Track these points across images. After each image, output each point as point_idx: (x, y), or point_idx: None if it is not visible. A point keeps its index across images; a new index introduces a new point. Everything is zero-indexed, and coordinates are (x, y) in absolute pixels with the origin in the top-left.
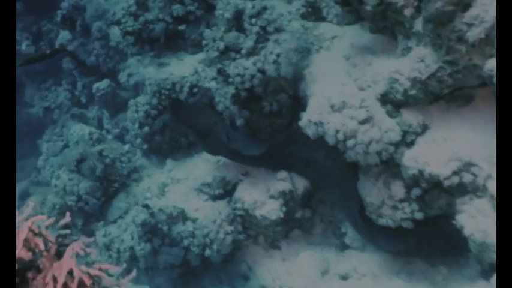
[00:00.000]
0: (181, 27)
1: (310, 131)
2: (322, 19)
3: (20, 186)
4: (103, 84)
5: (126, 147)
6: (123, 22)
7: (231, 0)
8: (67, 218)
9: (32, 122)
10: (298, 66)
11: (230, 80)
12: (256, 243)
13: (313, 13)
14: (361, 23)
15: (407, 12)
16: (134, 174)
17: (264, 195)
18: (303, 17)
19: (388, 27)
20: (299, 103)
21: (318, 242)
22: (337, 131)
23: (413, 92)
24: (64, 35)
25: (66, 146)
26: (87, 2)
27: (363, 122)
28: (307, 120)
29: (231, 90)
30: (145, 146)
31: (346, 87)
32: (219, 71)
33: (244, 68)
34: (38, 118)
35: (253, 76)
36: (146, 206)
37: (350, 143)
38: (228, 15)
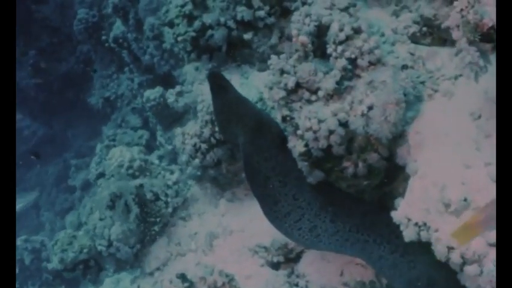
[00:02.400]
0: (247, 36)
1: (407, 232)
2: (443, 43)
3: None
4: (154, 93)
5: (175, 176)
6: (176, 24)
7: (312, 11)
8: None
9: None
10: (399, 123)
11: (299, 132)
12: None
13: (429, 33)
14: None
15: None
16: (182, 211)
17: (335, 278)
18: (414, 38)
19: None
20: (396, 170)
21: None
22: (451, 249)
23: None
24: (119, 26)
25: (102, 174)
26: None
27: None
28: (405, 216)
29: (300, 147)
30: (198, 173)
31: (472, 172)
32: (284, 119)
33: (319, 120)
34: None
35: (331, 132)
36: (182, 277)
37: (471, 270)
38: (304, 37)
